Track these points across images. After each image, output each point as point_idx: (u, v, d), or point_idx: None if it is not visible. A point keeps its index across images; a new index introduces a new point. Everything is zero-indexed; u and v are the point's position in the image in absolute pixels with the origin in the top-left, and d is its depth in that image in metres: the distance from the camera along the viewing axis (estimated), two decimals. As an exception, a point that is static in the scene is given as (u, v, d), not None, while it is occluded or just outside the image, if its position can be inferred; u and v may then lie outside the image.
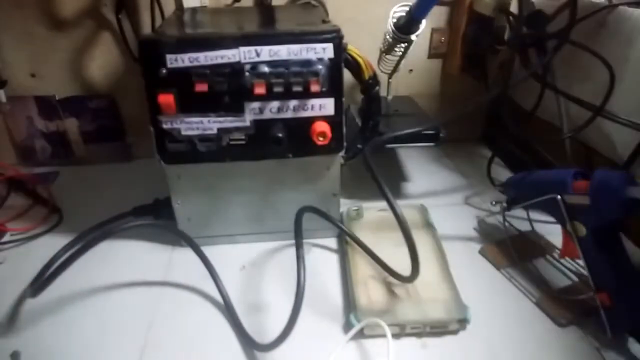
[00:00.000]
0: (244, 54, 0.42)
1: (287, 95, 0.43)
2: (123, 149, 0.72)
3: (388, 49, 0.60)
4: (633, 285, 0.40)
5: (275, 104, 0.44)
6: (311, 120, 0.45)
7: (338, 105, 0.44)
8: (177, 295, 0.47)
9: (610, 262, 0.40)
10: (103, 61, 0.66)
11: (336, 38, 0.42)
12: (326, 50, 0.42)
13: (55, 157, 0.71)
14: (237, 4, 0.65)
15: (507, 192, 0.53)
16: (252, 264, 0.51)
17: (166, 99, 0.42)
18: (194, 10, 0.62)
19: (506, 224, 0.53)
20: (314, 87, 0.43)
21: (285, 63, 0.42)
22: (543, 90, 0.53)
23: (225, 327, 0.43)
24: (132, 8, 0.63)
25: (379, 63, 0.65)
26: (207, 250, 0.49)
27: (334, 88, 0.44)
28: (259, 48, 0.41)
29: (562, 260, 0.50)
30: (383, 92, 0.73)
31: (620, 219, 0.38)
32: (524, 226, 0.53)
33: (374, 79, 0.48)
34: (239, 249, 0.53)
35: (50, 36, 0.62)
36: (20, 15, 0.60)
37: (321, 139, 0.44)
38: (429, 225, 0.54)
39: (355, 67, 0.47)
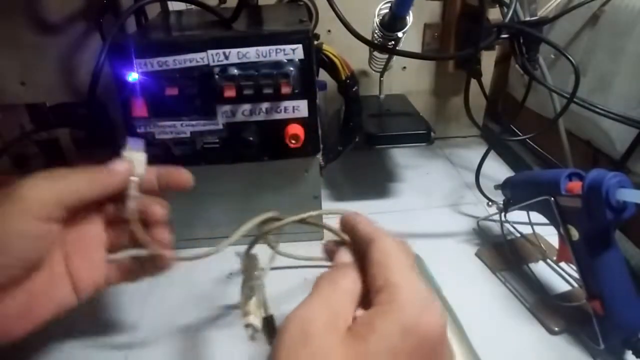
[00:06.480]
0: (212, 57, 0.41)
1: (259, 97, 0.42)
2: (114, 155, 0.72)
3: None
4: (625, 293, 0.37)
5: (247, 107, 0.43)
6: (285, 122, 0.44)
7: (312, 107, 0.43)
8: (168, 294, 0.47)
9: (603, 268, 0.37)
10: (92, 67, 0.65)
11: (305, 39, 0.41)
12: (296, 52, 0.41)
13: (48, 164, 0.71)
14: (223, 5, 0.65)
15: (505, 193, 0.51)
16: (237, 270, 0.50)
17: (138, 104, 0.42)
18: (179, 13, 0.61)
19: (504, 226, 0.51)
20: (285, 89, 0.41)
21: (254, 65, 0.41)
22: (530, 82, 0.51)
23: (226, 328, 0.43)
24: (116, 12, 0.62)
25: (369, 62, 0.64)
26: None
27: (306, 90, 0.42)
28: (227, 50, 0.41)
29: (561, 265, 0.47)
30: (375, 91, 0.71)
31: (612, 223, 0.36)
32: (524, 228, 0.51)
33: (352, 78, 0.47)
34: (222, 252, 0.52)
35: (38, 43, 0.62)
36: (7, 22, 0.61)
37: (293, 141, 0.43)
38: (426, 278, 0.41)
39: (331, 67, 0.46)
